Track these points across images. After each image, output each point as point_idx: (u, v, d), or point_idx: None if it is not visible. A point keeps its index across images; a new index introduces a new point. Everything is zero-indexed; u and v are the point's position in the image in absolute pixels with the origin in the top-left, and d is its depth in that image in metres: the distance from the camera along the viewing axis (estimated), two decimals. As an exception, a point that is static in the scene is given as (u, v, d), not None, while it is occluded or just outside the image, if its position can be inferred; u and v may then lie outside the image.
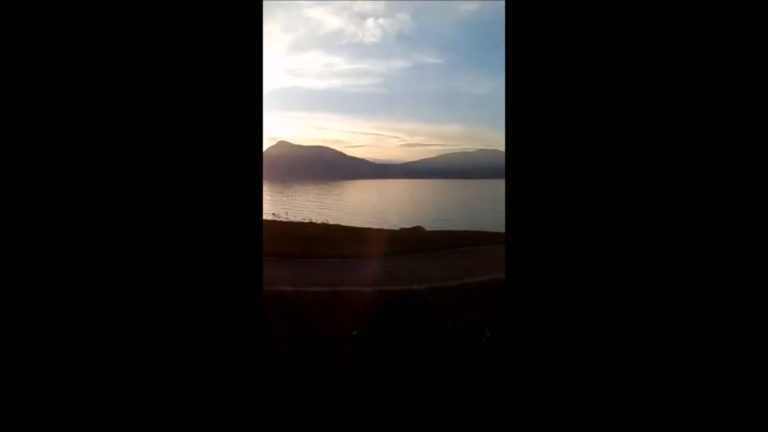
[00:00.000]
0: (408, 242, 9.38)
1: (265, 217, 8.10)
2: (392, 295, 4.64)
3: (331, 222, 12.85)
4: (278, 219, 10.28)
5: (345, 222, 17.08)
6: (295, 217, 12.10)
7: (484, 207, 43.22)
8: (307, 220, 11.73)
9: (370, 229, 13.16)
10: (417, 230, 14.83)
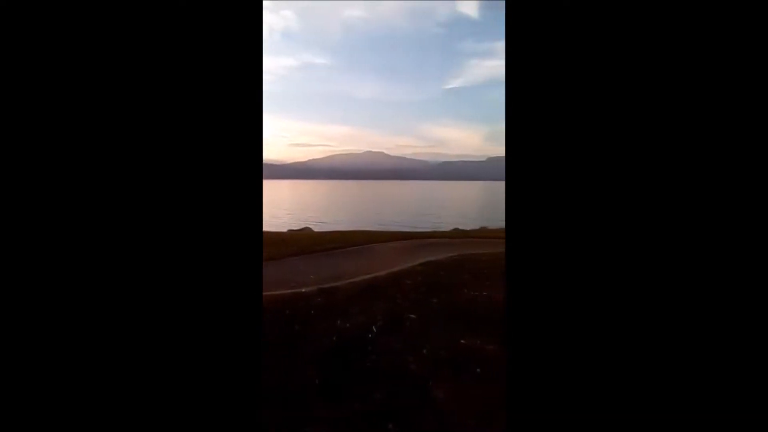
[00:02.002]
0: (296, 244, 9.18)
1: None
2: (278, 298, 4.47)
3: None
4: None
5: (226, 225, 15.86)
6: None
7: (371, 207, 44.62)
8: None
9: (254, 231, 12.46)
10: (305, 231, 14.61)
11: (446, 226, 19.30)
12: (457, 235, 12.83)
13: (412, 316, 3.89)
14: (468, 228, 16.46)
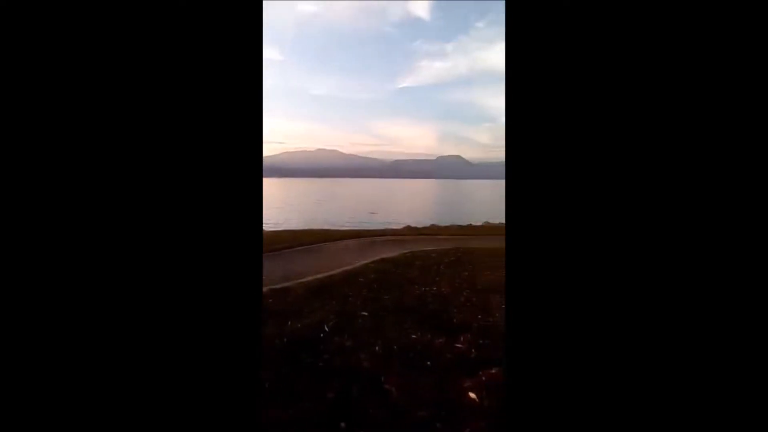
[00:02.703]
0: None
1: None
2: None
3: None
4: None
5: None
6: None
7: (324, 206, 44.10)
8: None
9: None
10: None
11: (399, 224, 19.56)
12: (409, 232, 13.05)
13: (365, 313, 3.92)
14: (420, 226, 16.78)
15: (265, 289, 4.96)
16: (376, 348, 3.02)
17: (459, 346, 3.04)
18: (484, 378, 2.48)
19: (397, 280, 5.47)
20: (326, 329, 3.45)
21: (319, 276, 5.81)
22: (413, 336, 3.27)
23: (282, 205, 43.74)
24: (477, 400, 2.25)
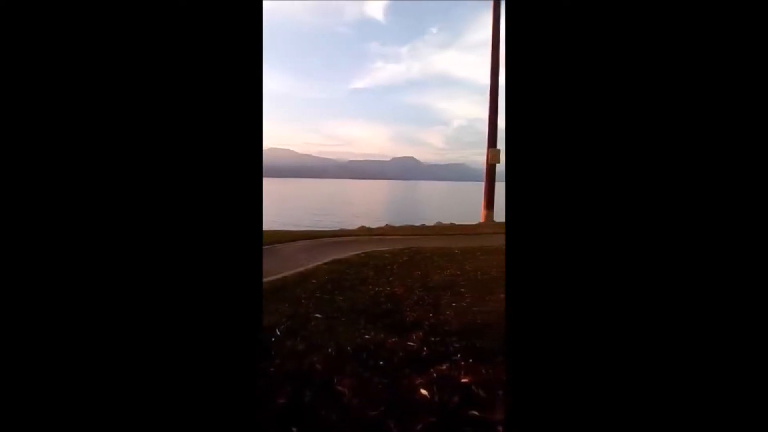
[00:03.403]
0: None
1: None
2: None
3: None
4: None
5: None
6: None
7: (276, 206, 43.02)
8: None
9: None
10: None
11: (353, 225, 19.52)
12: (363, 233, 13.07)
13: (318, 315, 3.88)
14: (374, 226, 16.86)
15: (212, 293, 4.76)
16: (329, 350, 3.00)
17: (411, 344, 3.09)
18: (435, 375, 2.54)
19: (351, 280, 5.46)
20: (278, 333, 3.38)
21: (271, 278, 5.67)
22: (366, 336, 3.28)
23: (231, 206, 42.02)
24: (428, 396, 2.30)
